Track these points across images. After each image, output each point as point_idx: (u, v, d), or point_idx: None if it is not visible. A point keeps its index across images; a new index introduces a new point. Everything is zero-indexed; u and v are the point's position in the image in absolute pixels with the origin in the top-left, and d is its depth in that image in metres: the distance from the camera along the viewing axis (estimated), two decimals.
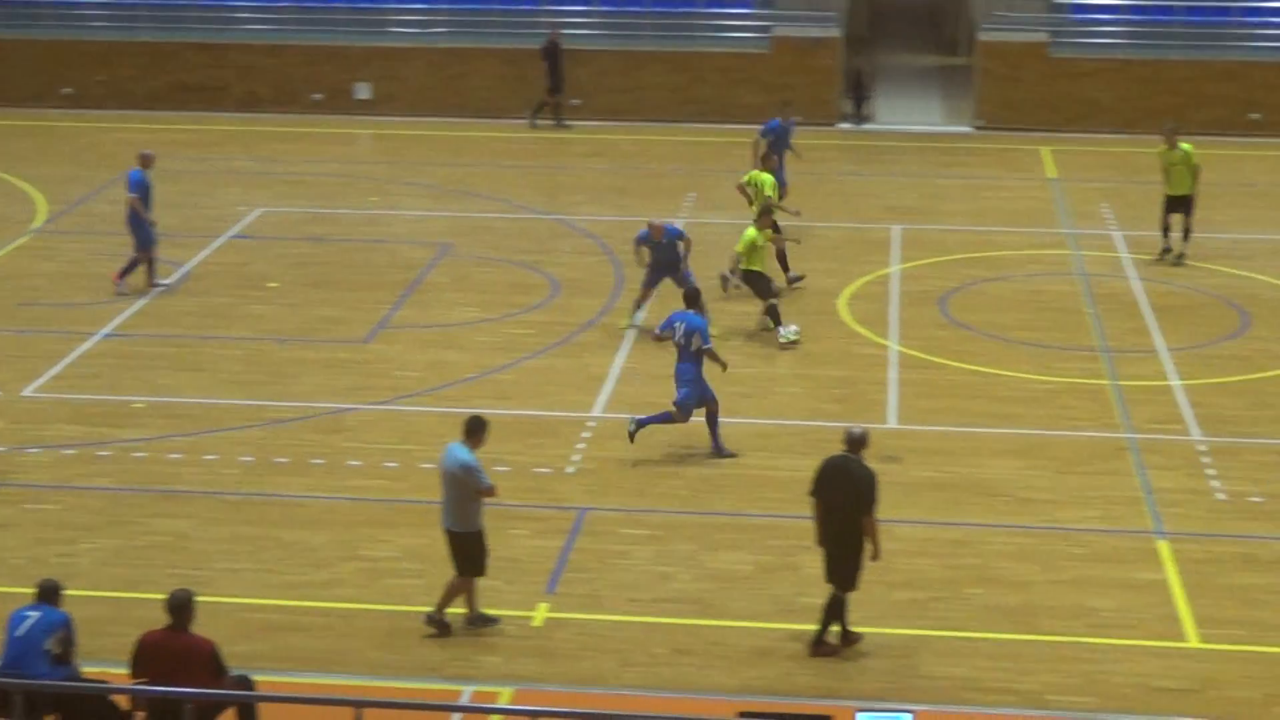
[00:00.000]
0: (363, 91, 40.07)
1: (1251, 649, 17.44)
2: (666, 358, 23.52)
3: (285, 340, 25.44)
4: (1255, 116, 38.40)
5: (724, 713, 14.74)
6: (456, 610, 17.58)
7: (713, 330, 22.82)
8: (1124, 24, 40.11)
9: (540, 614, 17.98)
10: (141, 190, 27.31)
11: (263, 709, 14.84)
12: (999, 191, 34.08)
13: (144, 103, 40.19)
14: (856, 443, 17.03)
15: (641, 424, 21.56)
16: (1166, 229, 29.18)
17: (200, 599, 14.99)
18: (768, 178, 27.76)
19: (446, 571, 17.69)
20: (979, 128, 39.21)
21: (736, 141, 36.43)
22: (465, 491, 17.12)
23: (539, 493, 20.70)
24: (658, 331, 22.28)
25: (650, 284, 25.87)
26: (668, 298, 25.70)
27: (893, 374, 24.42)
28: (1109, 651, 17.32)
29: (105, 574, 18.74)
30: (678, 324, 21.73)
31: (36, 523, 19.96)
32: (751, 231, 25.38)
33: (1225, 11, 39.73)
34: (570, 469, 21.43)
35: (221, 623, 16.79)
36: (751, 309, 25.97)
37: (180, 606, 14.68)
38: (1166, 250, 29.21)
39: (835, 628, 17.22)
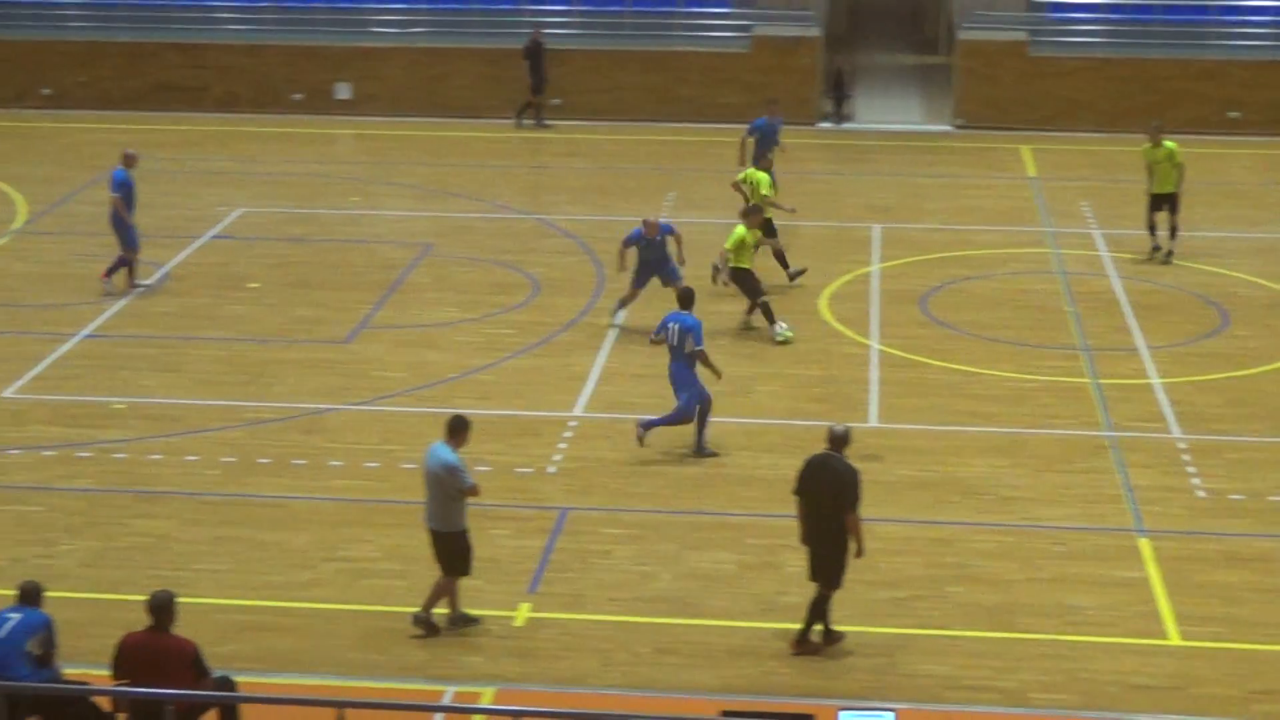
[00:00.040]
0: (343, 92, 40.03)
1: (1232, 646, 17.49)
2: (647, 357, 23.56)
3: (266, 341, 25.41)
4: (1234, 115, 38.50)
5: (707, 712, 14.74)
6: (438, 610, 17.57)
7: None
8: (1103, 23, 40.18)
9: (522, 614, 17.98)
10: (125, 190, 27.25)
11: (244, 710, 14.84)
12: (979, 190, 34.13)
13: (124, 103, 40.11)
14: (839, 441, 17.06)
15: (649, 426, 21.53)
16: (1153, 228, 29.23)
17: (182, 600, 14.97)
18: (764, 176, 27.73)
19: (428, 571, 17.69)
20: (959, 126, 39.27)
21: (717, 141, 36.48)
22: (448, 491, 17.12)
23: (520, 492, 20.70)
24: (653, 336, 22.13)
25: (640, 284, 25.83)
26: (652, 297, 25.73)
27: (873, 373, 24.45)
28: (1090, 649, 17.36)
29: (86, 575, 18.71)
30: (672, 325, 21.66)
31: (17, 524, 19.92)
32: (741, 229, 25.36)
33: (1204, 10, 39.82)
34: (551, 469, 21.42)
35: (203, 624, 16.76)
36: (735, 308, 25.97)
37: (162, 608, 14.67)
38: (1156, 249, 29.24)
39: (818, 626, 17.24)
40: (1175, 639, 17.62)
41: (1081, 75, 38.89)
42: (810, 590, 17.16)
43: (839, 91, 40.08)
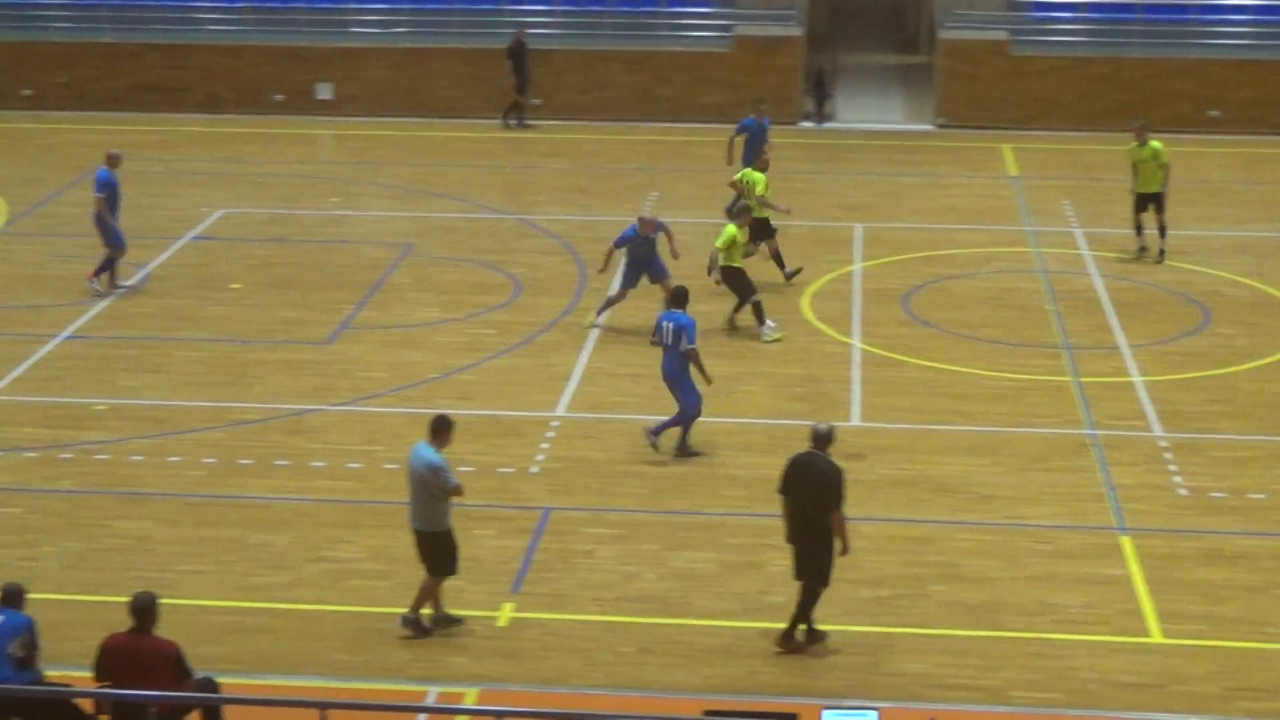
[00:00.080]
0: (324, 92, 39.98)
1: (1214, 644, 17.52)
2: (629, 356, 23.57)
3: (248, 342, 25.38)
4: (1214, 113, 38.57)
5: (689, 711, 14.75)
6: (423, 611, 17.55)
7: None
8: (1084, 22, 40.22)
9: (505, 614, 17.97)
10: (109, 190, 27.20)
11: (227, 711, 14.82)
12: (960, 189, 34.17)
13: (105, 104, 40.01)
14: (823, 439, 17.07)
15: (659, 430, 21.50)
16: (1139, 227, 29.25)
17: (164, 601, 14.95)
18: (760, 176, 27.71)
19: (411, 572, 17.68)
20: (940, 126, 39.30)
21: (698, 140, 36.51)
22: (432, 491, 17.11)
23: (503, 493, 20.69)
24: (652, 339, 21.98)
25: (630, 283, 25.78)
26: (641, 296, 25.72)
27: (855, 372, 24.46)
28: (1072, 647, 17.39)
29: (68, 577, 18.67)
30: (666, 324, 21.60)
31: None
32: (731, 228, 25.36)
33: (1184, 9, 39.88)
34: (534, 469, 21.42)
35: (185, 625, 16.71)
36: (721, 307, 25.95)
37: (144, 609, 14.64)
38: (1143, 249, 29.26)
39: (802, 625, 17.25)
40: (1157, 636, 17.65)
41: (1063, 74, 38.94)
42: (795, 589, 17.18)
43: (820, 91, 40.09)
